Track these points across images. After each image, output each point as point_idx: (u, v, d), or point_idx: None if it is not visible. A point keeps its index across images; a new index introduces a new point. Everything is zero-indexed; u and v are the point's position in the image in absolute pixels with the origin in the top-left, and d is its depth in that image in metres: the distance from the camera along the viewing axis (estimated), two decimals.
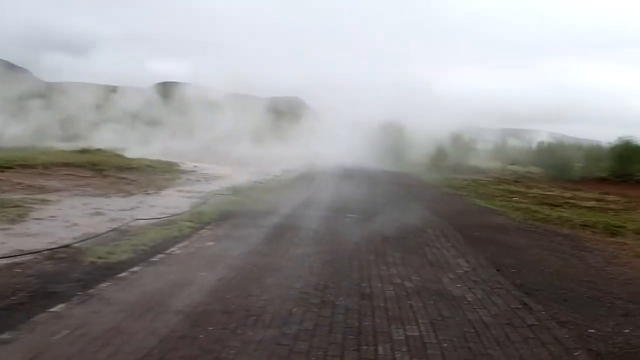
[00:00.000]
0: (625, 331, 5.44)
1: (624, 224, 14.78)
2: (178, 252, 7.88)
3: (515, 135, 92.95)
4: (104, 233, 8.85)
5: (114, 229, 9.22)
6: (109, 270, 6.42)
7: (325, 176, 27.99)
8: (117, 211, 11.84)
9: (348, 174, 29.55)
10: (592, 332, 5.31)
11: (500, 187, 31.32)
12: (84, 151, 33.44)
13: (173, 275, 6.40)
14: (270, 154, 48.77)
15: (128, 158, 30.48)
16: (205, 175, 25.49)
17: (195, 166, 31.08)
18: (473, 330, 5.09)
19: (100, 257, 7.00)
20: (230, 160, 41.08)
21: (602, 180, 53.13)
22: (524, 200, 21.67)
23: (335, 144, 53.71)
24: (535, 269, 8.07)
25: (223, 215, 11.87)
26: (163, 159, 35.85)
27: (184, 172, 26.83)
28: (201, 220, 10.90)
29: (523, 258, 8.94)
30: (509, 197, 23.28)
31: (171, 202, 14.39)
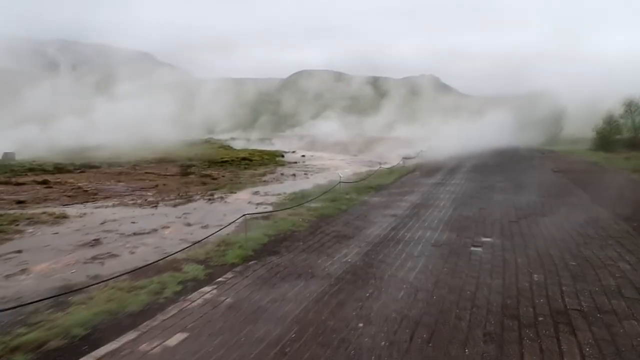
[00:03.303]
0: None
1: None
2: None
3: None
4: None
5: None
6: None
7: (458, 163, 22.07)
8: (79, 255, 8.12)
9: (489, 161, 23.15)
10: None
11: None
12: (205, 141, 31.83)
13: None
14: (401, 136, 43.63)
15: (232, 150, 28.06)
16: (308, 168, 21.48)
17: (303, 156, 27.45)
18: None
19: None
20: (355, 146, 37.04)
21: None
22: None
23: (476, 121, 46.34)
24: None
25: (270, 245, 7.44)
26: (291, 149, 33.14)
27: (284, 164, 23.18)
28: (218, 259, 6.56)
29: None
30: None
31: (224, 211, 10.40)
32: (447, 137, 35.89)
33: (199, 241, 7.21)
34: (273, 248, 7.21)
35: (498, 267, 6.14)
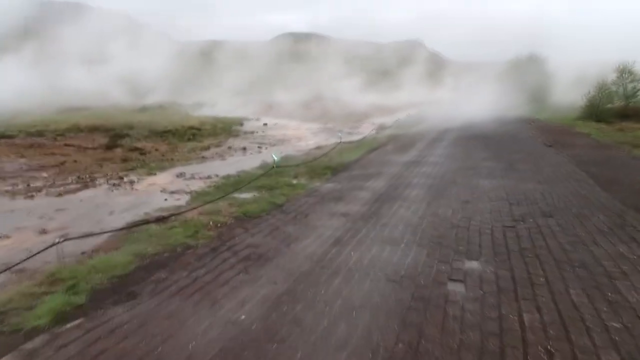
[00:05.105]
0: None
1: None
2: None
3: None
4: None
5: None
6: None
7: (438, 135, 19.38)
8: None
9: (473, 131, 20.47)
10: None
11: None
12: (142, 109, 28.48)
13: None
14: (383, 103, 40.76)
15: (183, 117, 24.81)
16: (265, 139, 18.55)
17: (265, 124, 24.37)
18: None
19: None
20: (331, 112, 34.03)
21: None
22: None
23: (459, 88, 43.60)
24: None
25: (132, 278, 4.71)
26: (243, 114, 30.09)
27: (238, 134, 20.17)
28: (17, 316, 3.84)
29: None
30: None
31: (115, 207, 7.59)
32: (428, 105, 33.16)
33: (9, 268, 4.42)
34: (132, 286, 4.45)
35: (492, 337, 3.50)
